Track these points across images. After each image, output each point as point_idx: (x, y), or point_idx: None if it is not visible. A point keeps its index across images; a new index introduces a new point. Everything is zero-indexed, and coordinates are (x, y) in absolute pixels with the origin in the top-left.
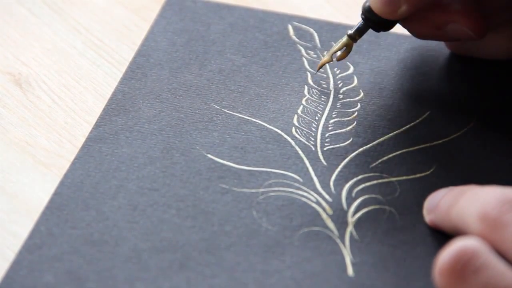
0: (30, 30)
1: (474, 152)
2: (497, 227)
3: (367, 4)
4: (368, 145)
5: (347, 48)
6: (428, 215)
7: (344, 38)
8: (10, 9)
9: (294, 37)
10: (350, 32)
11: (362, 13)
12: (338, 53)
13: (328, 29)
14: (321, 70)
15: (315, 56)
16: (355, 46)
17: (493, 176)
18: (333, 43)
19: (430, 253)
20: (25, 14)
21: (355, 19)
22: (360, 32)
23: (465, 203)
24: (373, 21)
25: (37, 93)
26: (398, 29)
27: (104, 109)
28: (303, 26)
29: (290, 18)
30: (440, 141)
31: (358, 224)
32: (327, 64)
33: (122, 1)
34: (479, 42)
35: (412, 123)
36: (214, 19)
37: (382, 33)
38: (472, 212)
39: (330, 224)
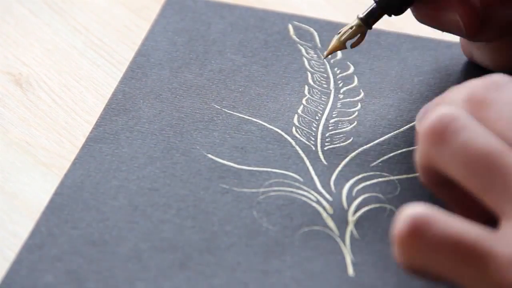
0: (30, 30)
1: None
2: (483, 106)
3: None
4: (369, 145)
5: (361, 35)
6: (419, 123)
7: (355, 22)
8: (10, 9)
9: (294, 37)
10: (361, 15)
11: None
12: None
13: (328, 28)
14: (321, 69)
15: (315, 55)
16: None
17: None
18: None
19: None
20: (25, 14)
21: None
22: (373, 16)
23: (453, 94)
24: (387, 3)
25: (38, 93)
26: (398, 28)
27: (104, 109)
28: (303, 25)
29: (290, 17)
30: None
31: (358, 223)
32: (327, 64)
33: (122, 1)
34: (479, 50)
35: (412, 123)
36: (215, 18)
37: (382, 33)
38: (459, 97)
39: (331, 223)
